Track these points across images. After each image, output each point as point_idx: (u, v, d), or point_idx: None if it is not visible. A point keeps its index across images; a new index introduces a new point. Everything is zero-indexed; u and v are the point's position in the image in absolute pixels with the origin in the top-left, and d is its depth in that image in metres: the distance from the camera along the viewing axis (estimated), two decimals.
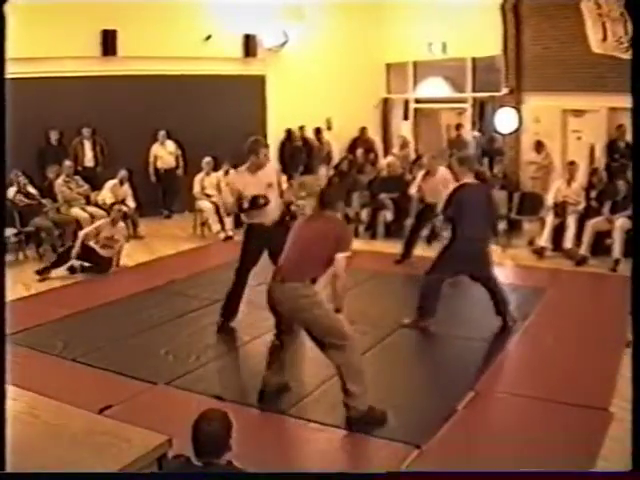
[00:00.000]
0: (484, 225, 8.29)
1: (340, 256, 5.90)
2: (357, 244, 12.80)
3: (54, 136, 14.17)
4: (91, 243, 11.26)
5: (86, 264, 11.21)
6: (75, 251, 11.11)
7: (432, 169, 11.57)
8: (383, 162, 15.88)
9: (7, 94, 12.94)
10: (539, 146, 15.29)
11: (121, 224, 11.81)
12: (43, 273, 10.97)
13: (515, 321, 8.42)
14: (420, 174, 11.95)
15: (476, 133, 17.07)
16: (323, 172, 14.40)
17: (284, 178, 9.21)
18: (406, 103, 18.99)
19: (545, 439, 5.62)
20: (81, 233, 11.45)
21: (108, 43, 14.53)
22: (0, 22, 3.49)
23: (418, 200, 11.82)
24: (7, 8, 3.48)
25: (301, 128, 17.11)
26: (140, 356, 7.72)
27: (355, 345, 6.01)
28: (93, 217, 12.83)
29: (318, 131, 17.56)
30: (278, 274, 6.09)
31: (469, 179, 8.37)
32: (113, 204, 12.76)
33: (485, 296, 8.40)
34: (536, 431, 5.81)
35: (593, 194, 12.16)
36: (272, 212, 8.19)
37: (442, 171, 11.30)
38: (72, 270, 11.14)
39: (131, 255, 12.17)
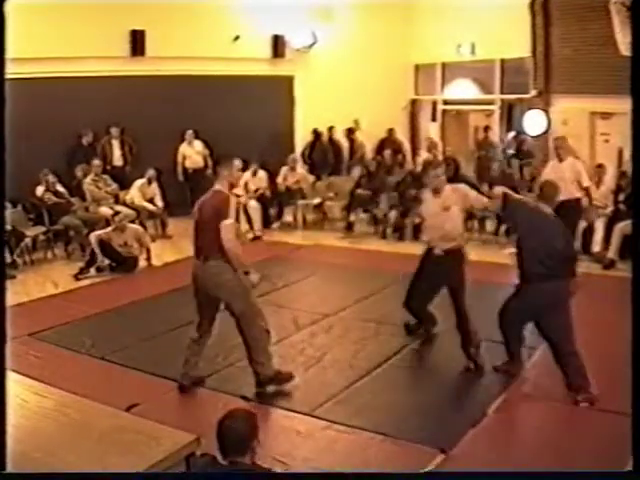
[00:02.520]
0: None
1: (225, 223, 6.31)
2: (385, 246, 12.92)
3: (84, 136, 14.18)
4: (113, 245, 11.33)
5: (113, 263, 11.30)
6: (96, 253, 11.16)
7: (563, 156, 11.03)
8: (420, 158, 15.84)
9: (37, 94, 12.95)
10: None
11: (132, 227, 11.76)
12: (82, 273, 11.06)
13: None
14: (550, 164, 11.50)
15: (511, 134, 16.92)
16: (357, 173, 14.36)
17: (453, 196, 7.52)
18: (434, 104, 18.97)
19: (574, 444, 5.61)
20: (92, 236, 11.36)
21: (137, 43, 14.57)
22: (0, 22, 3.50)
23: None
24: (7, 7, 3.49)
25: (330, 129, 17.10)
26: (167, 355, 7.74)
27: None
28: None
29: (351, 131, 17.54)
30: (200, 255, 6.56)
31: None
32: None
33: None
34: (565, 436, 5.80)
35: (621, 197, 12.02)
36: (449, 234, 7.42)
37: (570, 160, 11.03)
38: (100, 269, 11.21)
39: (159, 255, 12.17)
